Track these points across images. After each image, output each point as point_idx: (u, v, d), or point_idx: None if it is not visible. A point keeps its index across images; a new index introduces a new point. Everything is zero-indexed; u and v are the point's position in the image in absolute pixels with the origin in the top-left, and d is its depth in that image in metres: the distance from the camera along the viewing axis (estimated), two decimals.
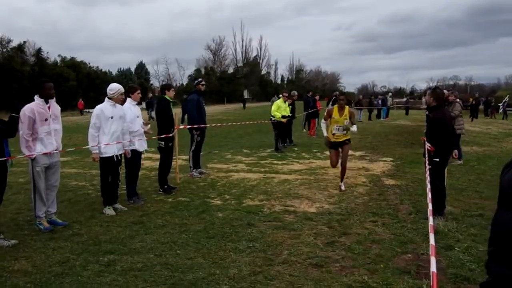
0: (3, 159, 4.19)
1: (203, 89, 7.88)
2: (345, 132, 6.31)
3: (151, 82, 65.45)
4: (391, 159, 9.54)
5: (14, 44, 41.42)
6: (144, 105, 24.60)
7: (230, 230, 4.57)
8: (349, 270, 3.48)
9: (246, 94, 61.27)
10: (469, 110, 24.94)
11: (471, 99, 27.44)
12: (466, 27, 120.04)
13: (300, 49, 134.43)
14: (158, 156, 6.98)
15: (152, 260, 3.76)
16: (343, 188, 6.34)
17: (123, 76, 57.24)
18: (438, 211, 4.75)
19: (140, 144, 5.95)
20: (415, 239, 4.19)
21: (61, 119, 4.99)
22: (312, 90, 17.85)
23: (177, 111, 7.00)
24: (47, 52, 45.47)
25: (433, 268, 1.95)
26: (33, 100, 4.62)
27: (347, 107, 6.41)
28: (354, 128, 6.37)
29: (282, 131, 11.42)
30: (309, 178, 7.39)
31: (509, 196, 1.25)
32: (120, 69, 63.13)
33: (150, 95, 27.54)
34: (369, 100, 26.28)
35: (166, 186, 6.51)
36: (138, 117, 5.93)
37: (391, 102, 28.80)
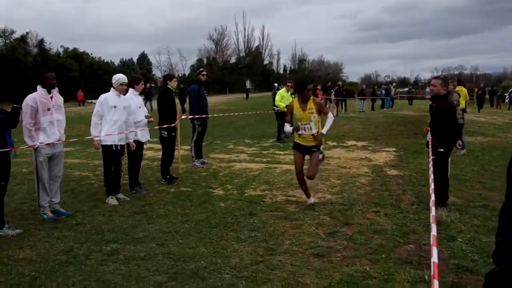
0: (7, 149, 4.21)
1: (204, 79, 7.86)
2: (315, 132, 4.98)
3: (153, 72, 65.42)
4: (394, 149, 9.50)
5: (17, 35, 41.59)
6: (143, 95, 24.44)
7: (232, 220, 4.58)
8: (351, 260, 3.48)
9: (248, 84, 61.01)
10: (475, 101, 24.27)
11: (476, 89, 27.04)
12: (472, 15, 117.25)
13: (303, 38, 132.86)
14: (160, 146, 7.00)
15: (155, 249, 3.79)
16: (311, 202, 5.12)
17: (125, 67, 57.06)
18: (441, 201, 4.74)
19: (143, 135, 5.96)
20: (417, 229, 4.19)
21: (64, 110, 5.01)
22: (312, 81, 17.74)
23: (177, 101, 7.00)
24: (50, 43, 45.61)
25: (435, 258, 1.95)
26: (35, 90, 4.63)
27: (312, 98, 5.04)
28: (330, 118, 5.07)
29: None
30: None
31: None
32: (122, 59, 63.00)
33: (148, 85, 27.35)
34: (372, 90, 26.12)
35: (168, 176, 6.53)
36: (140, 107, 5.93)
37: (394, 92, 28.58)
